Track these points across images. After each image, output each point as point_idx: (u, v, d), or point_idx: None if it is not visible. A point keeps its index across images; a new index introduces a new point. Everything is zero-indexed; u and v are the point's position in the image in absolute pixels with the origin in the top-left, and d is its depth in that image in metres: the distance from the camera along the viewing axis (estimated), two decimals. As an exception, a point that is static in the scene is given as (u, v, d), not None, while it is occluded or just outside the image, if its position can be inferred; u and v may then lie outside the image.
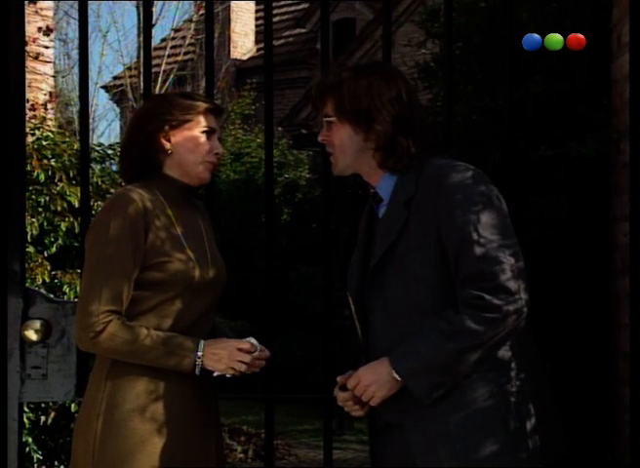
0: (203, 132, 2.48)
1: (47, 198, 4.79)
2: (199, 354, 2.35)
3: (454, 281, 2.18)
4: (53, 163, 4.94)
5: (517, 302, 2.12)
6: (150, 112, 2.49)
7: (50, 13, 7.26)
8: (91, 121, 14.91)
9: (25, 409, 4.19)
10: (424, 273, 2.20)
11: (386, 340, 2.25)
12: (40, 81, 6.91)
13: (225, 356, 2.36)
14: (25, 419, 4.22)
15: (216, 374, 2.39)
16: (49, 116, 6.48)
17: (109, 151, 6.08)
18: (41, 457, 4.52)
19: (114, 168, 6.37)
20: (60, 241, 4.78)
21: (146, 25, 3.29)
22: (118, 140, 12.14)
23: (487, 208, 2.17)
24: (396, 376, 2.17)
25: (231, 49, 17.98)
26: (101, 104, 42.24)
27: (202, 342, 2.36)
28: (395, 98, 2.28)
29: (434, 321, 2.16)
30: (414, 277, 2.21)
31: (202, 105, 2.49)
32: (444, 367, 2.15)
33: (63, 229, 4.77)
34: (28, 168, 4.60)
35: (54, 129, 6.16)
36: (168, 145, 2.46)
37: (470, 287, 2.13)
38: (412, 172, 2.26)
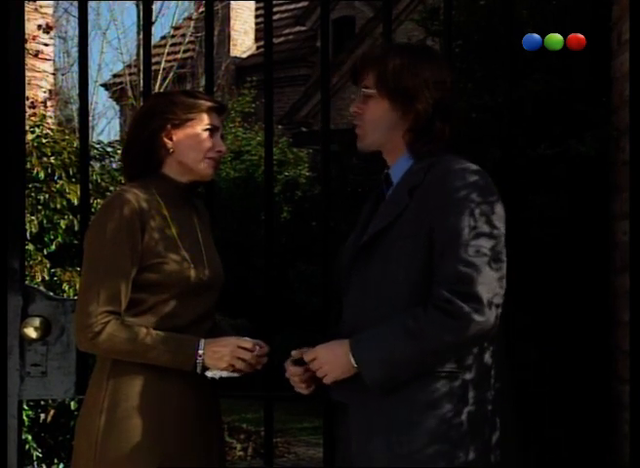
0: (205, 129, 2.47)
1: (46, 196, 4.79)
2: (200, 352, 2.34)
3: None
4: (52, 160, 4.94)
5: (485, 314, 2.09)
6: (152, 111, 2.48)
7: (50, 10, 7.25)
8: (90, 119, 14.90)
9: (25, 407, 4.20)
10: (408, 265, 2.18)
11: (355, 320, 2.25)
12: (40, 79, 6.90)
13: (227, 353, 2.35)
14: (25, 417, 4.23)
15: (214, 376, 2.37)
16: (48, 114, 6.47)
17: (109, 149, 6.09)
18: (40, 455, 4.52)
19: (114, 165, 6.39)
20: (59, 239, 4.78)
21: (146, 23, 3.28)
22: (118, 138, 12.16)
23: (483, 213, 2.15)
24: (352, 361, 2.17)
25: (231, 47, 17.99)
26: (101, 102, 42.35)
27: (202, 341, 2.36)
28: (440, 83, 2.27)
29: (402, 315, 2.14)
30: (396, 266, 2.19)
31: (205, 104, 2.49)
32: (400, 363, 2.13)
33: (63, 227, 4.77)
34: (28, 165, 4.60)
35: (53, 126, 6.16)
36: (170, 144, 2.46)
37: (444, 288, 2.11)
38: (428, 161, 2.24)
